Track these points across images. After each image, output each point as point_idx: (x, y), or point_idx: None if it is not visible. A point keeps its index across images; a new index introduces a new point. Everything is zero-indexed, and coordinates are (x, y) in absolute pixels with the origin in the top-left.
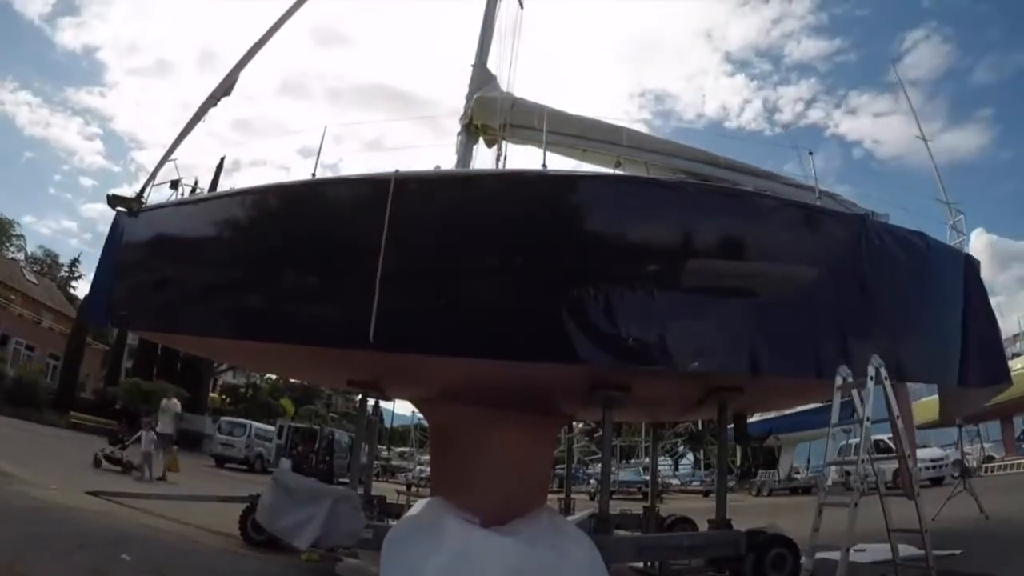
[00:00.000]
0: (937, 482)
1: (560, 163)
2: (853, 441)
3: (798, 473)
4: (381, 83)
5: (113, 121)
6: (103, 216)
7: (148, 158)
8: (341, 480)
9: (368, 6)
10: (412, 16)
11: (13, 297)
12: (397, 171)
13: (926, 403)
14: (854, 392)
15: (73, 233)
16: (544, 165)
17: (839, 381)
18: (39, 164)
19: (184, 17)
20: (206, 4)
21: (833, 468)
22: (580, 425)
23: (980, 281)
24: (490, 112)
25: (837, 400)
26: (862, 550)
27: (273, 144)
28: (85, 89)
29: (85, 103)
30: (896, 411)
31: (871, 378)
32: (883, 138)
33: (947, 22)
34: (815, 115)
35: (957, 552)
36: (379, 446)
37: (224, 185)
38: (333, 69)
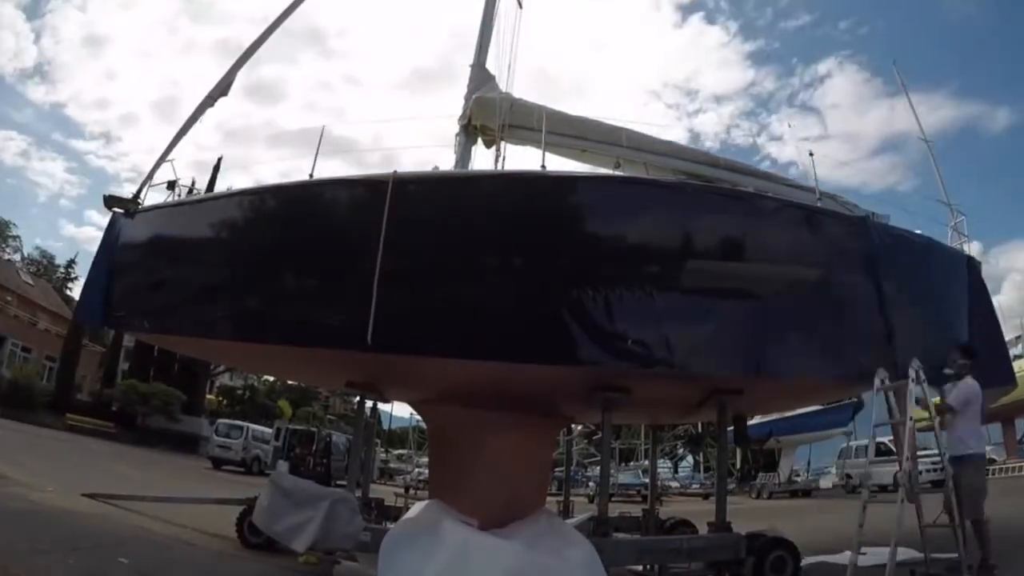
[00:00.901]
0: (938, 485)
1: (559, 164)
2: (854, 444)
3: (798, 476)
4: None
5: (86, 156)
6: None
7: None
8: (339, 482)
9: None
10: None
11: (9, 298)
12: (395, 172)
13: None
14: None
15: (56, 250)
16: (543, 166)
17: (877, 383)
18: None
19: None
20: (164, 64)
21: (834, 471)
22: (579, 427)
23: (982, 283)
24: (489, 112)
25: (880, 400)
26: (863, 554)
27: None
28: (59, 133)
29: (61, 144)
30: (911, 414)
31: (912, 380)
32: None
33: (861, 50)
34: (741, 140)
35: (955, 555)
36: (377, 448)
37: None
38: (268, 119)
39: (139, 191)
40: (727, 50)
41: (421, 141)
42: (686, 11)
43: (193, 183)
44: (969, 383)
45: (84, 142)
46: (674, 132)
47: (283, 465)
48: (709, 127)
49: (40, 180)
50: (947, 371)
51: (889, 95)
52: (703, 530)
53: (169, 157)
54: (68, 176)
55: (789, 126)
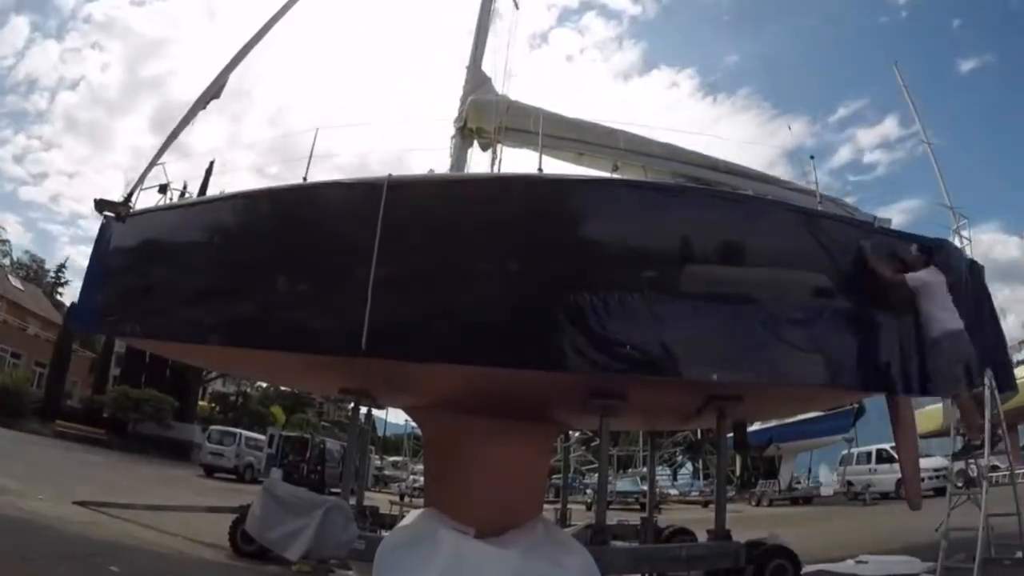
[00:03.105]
0: (940, 492)
1: (556, 167)
2: (855, 450)
3: (799, 483)
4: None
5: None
6: None
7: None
8: (333, 490)
9: None
10: None
11: None
12: (390, 175)
13: (929, 412)
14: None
15: None
16: (540, 169)
17: None
18: None
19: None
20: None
21: (835, 478)
22: (576, 434)
23: (985, 287)
24: (485, 115)
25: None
26: (864, 562)
27: None
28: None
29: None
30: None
31: (988, 387)
32: None
33: None
34: None
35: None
36: (372, 455)
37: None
38: None
39: (130, 195)
40: None
41: None
42: None
43: (185, 187)
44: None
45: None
46: None
47: (276, 472)
48: None
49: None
50: None
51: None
52: (702, 538)
53: (160, 160)
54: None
55: (789, 128)
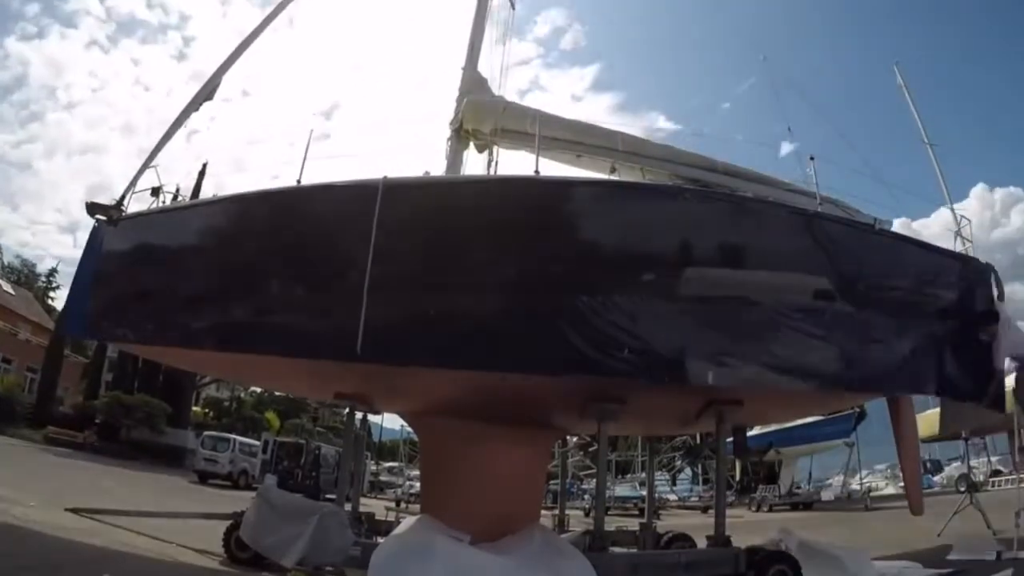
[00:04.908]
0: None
1: (554, 169)
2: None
3: (799, 488)
4: None
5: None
6: None
7: None
8: (328, 496)
9: None
10: None
11: None
12: (385, 177)
13: (928, 416)
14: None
15: None
16: (537, 171)
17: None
18: None
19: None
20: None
21: (837, 481)
22: (574, 439)
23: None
24: (481, 116)
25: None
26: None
27: None
28: None
29: None
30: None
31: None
32: None
33: None
34: None
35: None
36: (367, 461)
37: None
38: None
39: (123, 198)
40: None
41: None
42: None
43: (178, 190)
44: None
45: None
46: None
47: (271, 479)
48: None
49: None
50: None
51: None
52: (702, 544)
53: (153, 163)
54: None
55: (789, 129)
